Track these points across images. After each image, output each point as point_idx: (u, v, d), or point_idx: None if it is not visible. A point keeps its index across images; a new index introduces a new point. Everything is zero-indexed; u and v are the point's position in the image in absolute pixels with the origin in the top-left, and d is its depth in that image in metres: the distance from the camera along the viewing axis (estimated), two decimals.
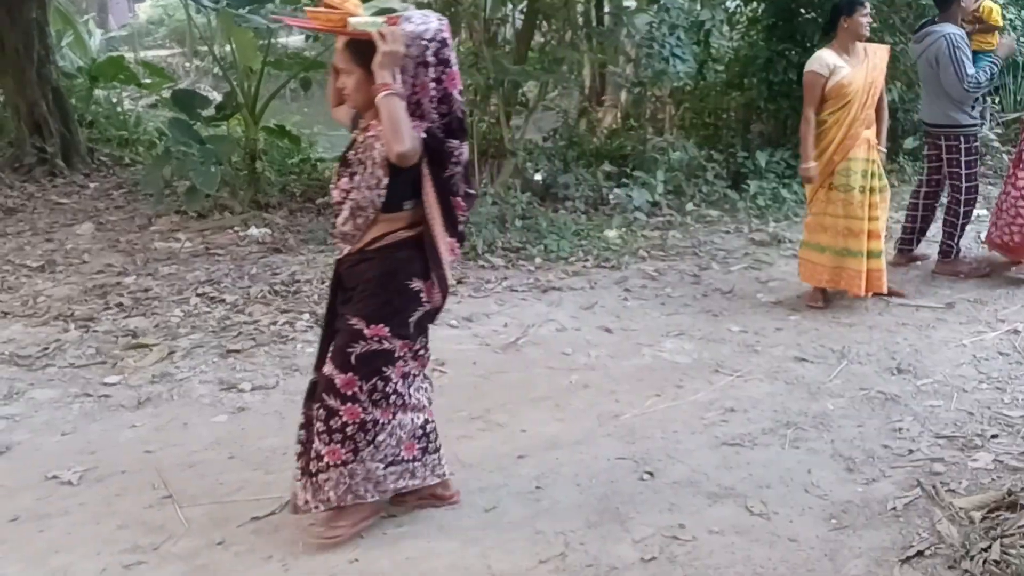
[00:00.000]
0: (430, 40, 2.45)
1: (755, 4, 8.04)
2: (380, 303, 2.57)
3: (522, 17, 7.92)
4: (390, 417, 2.66)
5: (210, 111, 7.33)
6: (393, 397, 2.65)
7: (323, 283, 5.29)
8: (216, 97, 8.70)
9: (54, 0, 9.61)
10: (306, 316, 4.74)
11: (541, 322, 4.73)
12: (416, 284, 2.60)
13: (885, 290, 4.75)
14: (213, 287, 5.18)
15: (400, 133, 2.37)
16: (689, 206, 6.87)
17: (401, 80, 2.42)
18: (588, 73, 9.57)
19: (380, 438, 2.65)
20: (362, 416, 2.61)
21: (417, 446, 2.75)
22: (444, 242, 2.60)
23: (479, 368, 4.16)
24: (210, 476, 3.18)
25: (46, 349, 4.32)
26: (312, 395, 2.72)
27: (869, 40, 4.76)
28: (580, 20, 8.27)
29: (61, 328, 4.60)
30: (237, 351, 4.30)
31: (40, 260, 5.71)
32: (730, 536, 2.78)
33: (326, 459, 2.63)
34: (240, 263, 5.62)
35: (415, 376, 2.73)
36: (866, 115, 4.60)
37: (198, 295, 5.05)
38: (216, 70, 9.45)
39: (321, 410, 2.62)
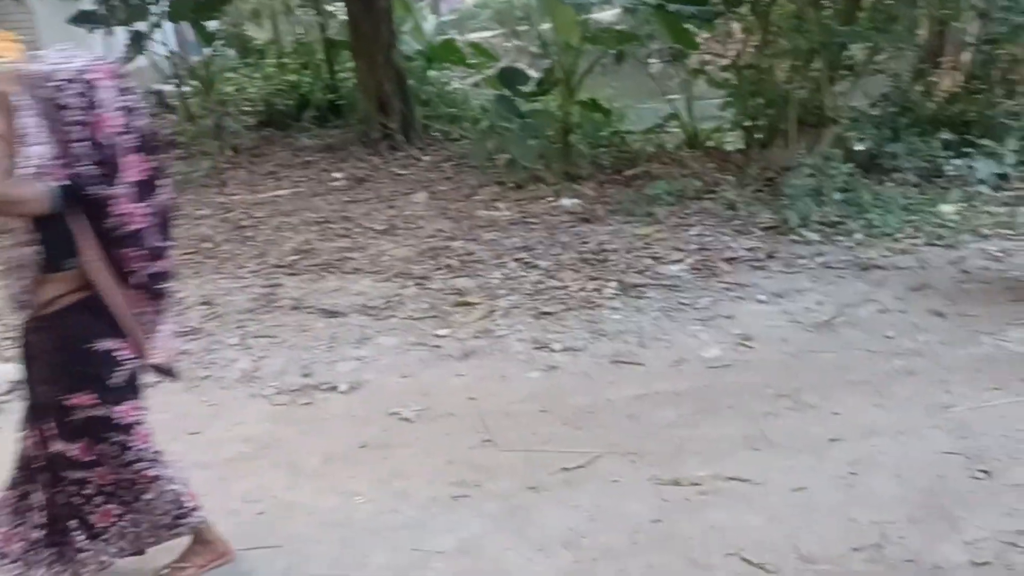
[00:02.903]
0: (67, 80, 2.15)
1: None
2: (68, 373, 2.29)
3: None
4: (148, 481, 2.40)
5: (529, 87, 7.73)
6: (139, 464, 2.37)
7: (629, 252, 5.41)
8: (534, 74, 9.15)
9: None
10: (613, 284, 4.89)
11: (860, 302, 4.42)
12: (104, 345, 2.29)
13: None
14: (528, 253, 5.51)
15: None
16: None
17: (38, 124, 2.14)
18: (923, 31, 8.63)
19: (147, 496, 2.41)
20: (113, 477, 2.37)
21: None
22: (115, 297, 2.29)
23: (789, 346, 4.01)
24: (525, 426, 3.43)
25: (389, 302, 4.89)
26: (26, 482, 2.42)
27: None
28: None
29: (401, 284, 5.18)
30: (549, 313, 4.56)
31: (384, 224, 6.44)
32: None
33: (100, 524, 2.41)
34: (552, 231, 5.91)
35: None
36: None
37: (515, 260, 5.41)
38: (533, 48, 9.95)
39: (70, 487, 2.37)
